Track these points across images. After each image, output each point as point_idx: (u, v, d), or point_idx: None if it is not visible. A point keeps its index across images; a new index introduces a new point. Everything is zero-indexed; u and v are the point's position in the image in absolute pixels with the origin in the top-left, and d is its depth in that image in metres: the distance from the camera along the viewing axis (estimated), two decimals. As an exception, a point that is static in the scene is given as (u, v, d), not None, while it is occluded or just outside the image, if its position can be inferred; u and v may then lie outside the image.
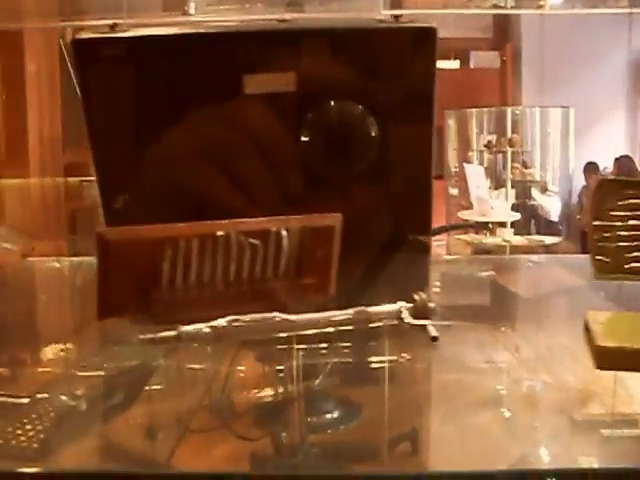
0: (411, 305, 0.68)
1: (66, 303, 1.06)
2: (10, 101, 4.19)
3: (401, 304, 0.68)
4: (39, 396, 0.86)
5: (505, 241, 5.09)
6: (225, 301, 0.69)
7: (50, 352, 1.68)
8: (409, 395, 0.62)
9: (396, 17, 0.86)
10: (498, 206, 5.34)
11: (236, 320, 0.64)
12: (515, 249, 4.93)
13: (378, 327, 0.68)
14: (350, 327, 0.67)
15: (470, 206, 5.26)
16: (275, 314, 0.65)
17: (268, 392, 0.63)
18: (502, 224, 5.31)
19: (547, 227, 5.62)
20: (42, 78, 4.46)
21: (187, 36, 0.87)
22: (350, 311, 0.67)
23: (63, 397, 0.72)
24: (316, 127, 0.85)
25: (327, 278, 0.73)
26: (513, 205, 5.53)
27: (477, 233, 5.33)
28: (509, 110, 5.78)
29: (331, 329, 0.66)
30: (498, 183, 5.60)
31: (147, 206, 0.87)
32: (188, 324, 0.64)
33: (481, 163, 5.69)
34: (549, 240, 5.29)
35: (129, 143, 0.87)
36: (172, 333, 0.64)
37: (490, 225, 5.25)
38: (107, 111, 0.88)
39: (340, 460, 0.52)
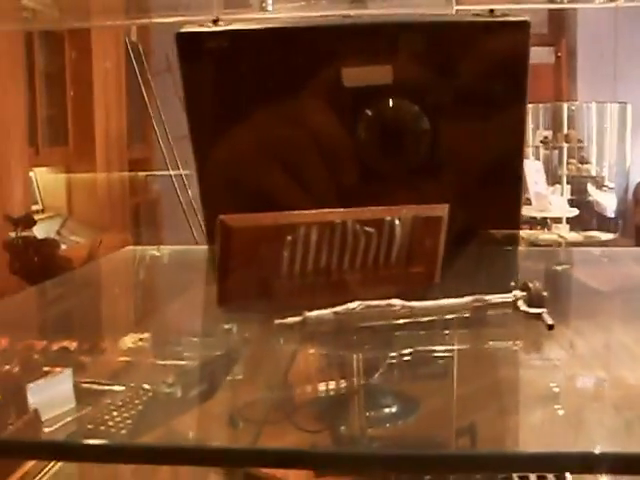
0: (525, 293, 0.68)
1: (165, 291, 1.08)
2: (78, 98, 4.31)
3: (516, 292, 0.68)
4: (132, 384, 0.90)
5: (561, 237, 5.02)
6: (339, 288, 0.70)
7: (129, 341, 1.74)
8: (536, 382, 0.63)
9: (491, 11, 0.88)
10: (556, 202, 5.27)
11: (359, 306, 0.65)
12: (570, 245, 4.86)
13: (493, 314, 0.68)
14: (466, 314, 0.68)
15: (528, 202, 5.20)
16: (395, 301, 0.65)
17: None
18: (558, 220, 5.23)
19: (603, 223, 5.52)
20: (108, 76, 4.57)
21: (288, 30, 0.90)
22: (467, 299, 0.68)
23: (146, 386, 0.75)
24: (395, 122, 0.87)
25: (434, 267, 0.74)
26: (569, 201, 5.44)
27: (531, 228, 5.27)
28: (565, 106, 5.69)
29: (449, 316, 0.67)
30: (554, 179, 5.52)
31: (244, 194, 0.89)
32: (304, 310, 0.65)
33: (537, 159, 5.61)
34: (605, 236, 5.19)
35: (228, 134, 0.90)
36: (298, 318, 0.65)
37: (547, 221, 5.19)
38: (207, 102, 0.91)
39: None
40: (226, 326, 0.81)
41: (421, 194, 0.86)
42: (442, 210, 0.73)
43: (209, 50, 0.86)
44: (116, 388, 1.22)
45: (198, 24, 0.89)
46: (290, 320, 0.65)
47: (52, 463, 1.06)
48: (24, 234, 2.88)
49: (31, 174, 3.78)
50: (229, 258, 0.69)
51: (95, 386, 1.25)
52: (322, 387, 0.61)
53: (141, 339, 1.89)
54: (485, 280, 0.79)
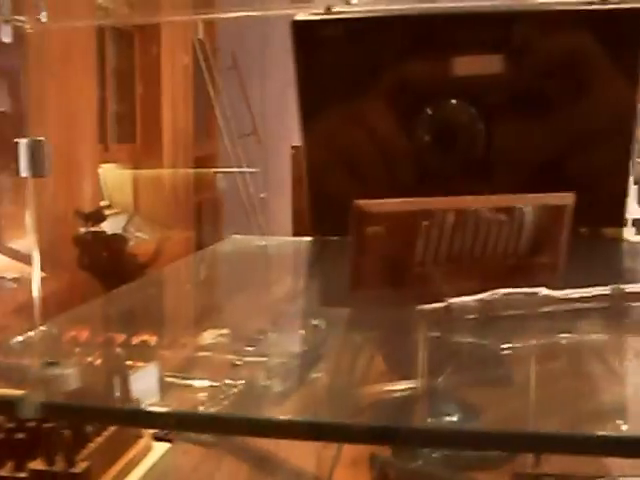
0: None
1: (264, 283, 1.08)
2: (147, 95, 4.37)
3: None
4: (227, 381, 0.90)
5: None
6: (470, 277, 0.69)
7: (208, 337, 1.75)
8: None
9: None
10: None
11: (502, 294, 0.64)
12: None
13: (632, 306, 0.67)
14: (606, 304, 0.67)
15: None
16: (539, 289, 0.65)
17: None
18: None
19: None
20: (176, 73, 4.62)
21: (403, 18, 0.90)
22: (607, 288, 0.67)
23: (229, 381, 0.76)
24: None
25: (558, 258, 0.73)
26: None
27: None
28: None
29: (590, 305, 0.66)
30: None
31: (354, 185, 0.90)
32: (436, 300, 0.64)
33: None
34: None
35: (339, 121, 0.91)
36: (440, 305, 0.64)
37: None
38: (319, 89, 0.92)
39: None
40: (314, 322, 0.81)
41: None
42: (569, 199, 0.71)
43: (323, 38, 0.89)
44: (197, 383, 1.23)
45: (311, 12, 0.90)
46: (433, 307, 0.64)
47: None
48: (94, 229, 2.93)
49: (99, 170, 3.85)
50: (362, 244, 0.69)
51: (177, 381, 1.27)
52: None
53: (221, 334, 1.91)
54: (605, 272, 0.78)
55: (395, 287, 0.69)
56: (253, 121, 5.38)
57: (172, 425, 0.55)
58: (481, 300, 0.64)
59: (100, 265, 2.93)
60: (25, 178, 2.79)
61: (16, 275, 2.96)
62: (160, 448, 1.20)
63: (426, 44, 0.87)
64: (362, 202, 0.69)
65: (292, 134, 4.29)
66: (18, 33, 2.53)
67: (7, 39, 2.52)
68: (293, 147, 4.73)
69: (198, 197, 4.90)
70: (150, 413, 0.59)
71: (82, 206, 3.20)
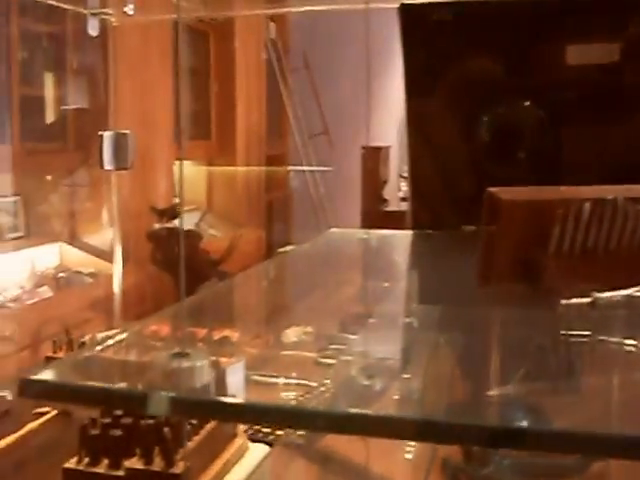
0: None
1: (362, 277, 1.06)
2: (221, 93, 4.40)
3: None
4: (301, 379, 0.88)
5: None
6: (608, 269, 0.65)
7: (292, 334, 1.74)
8: None
9: None
10: None
11: None
12: None
13: None
14: None
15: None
16: None
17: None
18: None
19: None
20: (249, 72, 4.64)
21: (514, 3, 0.87)
22: None
23: (313, 383, 0.74)
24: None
25: None
26: None
27: None
28: None
29: None
30: None
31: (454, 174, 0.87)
32: (572, 294, 0.61)
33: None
34: None
35: (445, 105, 0.88)
36: (586, 300, 0.61)
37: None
38: (427, 72, 0.90)
39: None
40: (407, 319, 0.79)
41: None
42: None
43: (432, 21, 0.87)
44: (281, 381, 1.21)
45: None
46: (578, 301, 0.61)
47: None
48: (168, 225, 2.95)
49: (173, 167, 3.88)
50: (497, 233, 0.66)
51: (263, 379, 1.26)
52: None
53: (304, 332, 1.89)
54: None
55: (529, 280, 0.65)
56: (324, 121, 5.37)
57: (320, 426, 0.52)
58: (628, 295, 0.60)
59: (173, 261, 2.94)
60: (102, 173, 2.82)
61: (92, 270, 3.00)
62: (256, 449, 1.17)
63: (535, 29, 0.84)
64: (497, 189, 0.66)
65: (362, 134, 4.26)
66: (103, 26, 2.55)
67: (94, 32, 2.55)
68: (363, 147, 4.71)
69: (269, 195, 4.91)
70: (295, 411, 0.55)
71: (156, 202, 3.23)
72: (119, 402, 0.63)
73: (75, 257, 3.05)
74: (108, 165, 2.15)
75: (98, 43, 3.07)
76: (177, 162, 3.91)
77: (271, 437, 1.29)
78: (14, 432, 1.35)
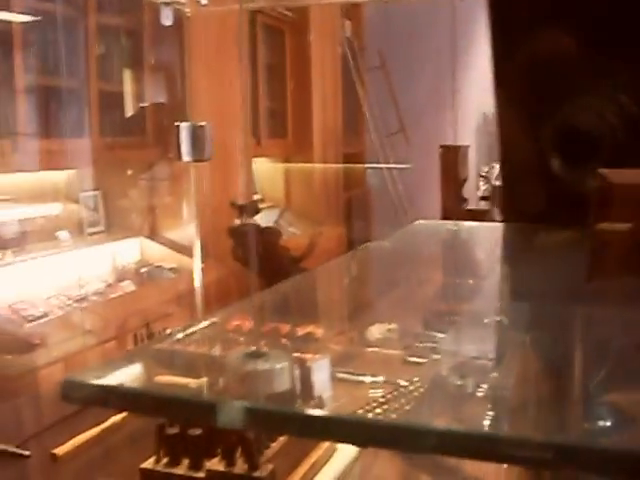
0: None
1: (453, 269, 1.01)
2: (297, 91, 4.36)
3: None
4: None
5: None
6: None
7: (376, 331, 1.66)
8: None
9: None
10: None
11: None
12: None
13: None
14: None
15: None
16: None
17: None
18: None
19: None
20: (326, 70, 4.59)
21: None
22: None
23: (402, 382, 0.67)
24: None
25: None
26: None
27: None
28: None
29: None
30: None
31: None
32: None
33: None
34: None
35: (537, 90, 0.79)
36: None
37: None
38: (516, 49, 0.82)
39: None
40: (497, 318, 0.74)
41: None
42: None
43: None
44: (367, 379, 1.12)
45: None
46: None
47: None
48: (249, 222, 2.89)
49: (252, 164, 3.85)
50: (608, 216, 0.60)
51: (349, 376, 1.17)
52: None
53: (389, 329, 1.82)
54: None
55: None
56: (400, 120, 5.28)
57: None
58: None
59: (253, 257, 2.89)
60: (182, 167, 2.78)
61: (173, 265, 2.98)
62: (345, 450, 1.10)
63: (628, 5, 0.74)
64: (608, 171, 0.61)
65: (439, 133, 4.17)
66: (178, 17, 2.52)
67: (168, 22, 2.51)
68: (442, 146, 4.60)
69: (347, 193, 4.85)
70: (393, 428, 0.46)
71: (236, 198, 3.19)
72: (182, 412, 0.52)
73: (156, 252, 3.03)
74: (186, 156, 2.12)
75: (174, 36, 3.07)
76: (255, 160, 3.88)
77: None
78: (97, 425, 1.34)
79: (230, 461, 0.97)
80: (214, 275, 2.87)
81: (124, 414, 1.39)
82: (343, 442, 1.00)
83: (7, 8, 2.41)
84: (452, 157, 4.60)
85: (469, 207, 4.55)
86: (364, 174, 5.29)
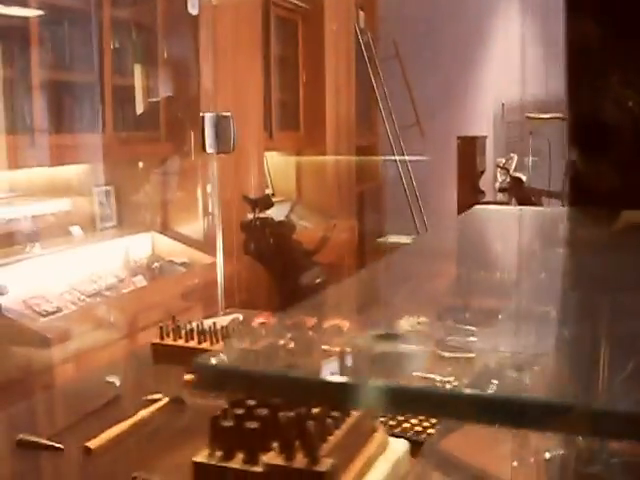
0: None
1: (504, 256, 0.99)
2: (310, 84, 4.33)
3: None
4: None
5: None
6: None
7: (406, 324, 1.63)
8: None
9: None
10: None
11: None
12: None
13: None
14: None
15: None
16: None
17: None
18: None
19: None
20: (339, 62, 4.56)
21: None
22: None
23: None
24: None
25: None
26: None
27: None
28: None
29: None
30: None
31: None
32: None
33: None
34: None
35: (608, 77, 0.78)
36: None
37: None
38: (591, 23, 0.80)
39: None
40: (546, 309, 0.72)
41: None
42: None
43: None
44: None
45: None
46: None
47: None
48: (262, 215, 2.88)
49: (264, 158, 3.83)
50: None
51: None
52: None
53: (419, 322, 1.80)
54: None
55: None
56: (415, 111, 5.24)
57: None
58: None
59: (266, 251, 2.88)
60: (194, 162, 2.76)
61: (185, 259, 2.97)
62: (396, 444, 1.09)
63: None
64: None
65: (456, 125, 4.12)
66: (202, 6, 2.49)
67: (194, 11, 2.49)
68: (459, 138, 4.55)
69: (360, 186, 4.83)
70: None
71: (248, 192, 3.18)
72: (324, 395, 0.51)
73: (167, 246, 3.03)
74: (210, 149, 2.11)
75: (189, 28, 3.06)
76: (266, 153, 3.86)
77: (410, 433, 1.22)
78: (126, 418, 1.34)
79: (289, 455, 0.94)
80: (227, 269, 2.87)
81: (152, 408, 1.42)
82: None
83: (23, 4, 2.41)
84: (470, 148, 4.57)
85: (486, 199, 4.51)
86: (378, 167, 5.26)
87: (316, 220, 3.98)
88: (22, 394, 1.81)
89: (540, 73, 5.10)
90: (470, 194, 4.33)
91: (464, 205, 4.36)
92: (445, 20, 5.42)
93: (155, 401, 1.46)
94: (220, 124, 2.11)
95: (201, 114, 2.10)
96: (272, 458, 0.95)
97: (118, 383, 1.61)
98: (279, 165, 4.22)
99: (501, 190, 4.44)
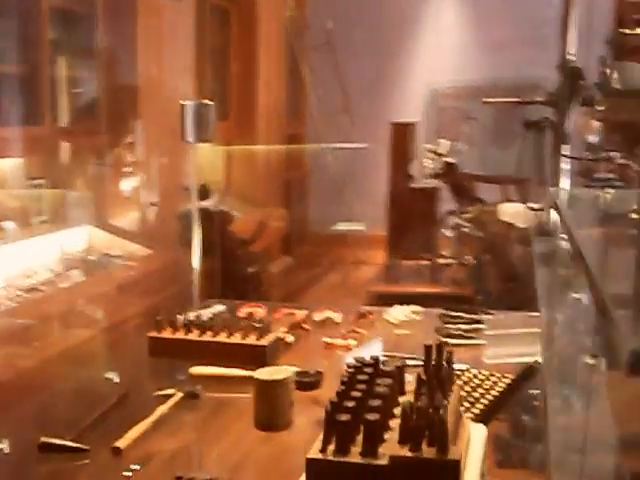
0: None
1: None
2: (241, 72, 4.33)
3: None
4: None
5: None
6: None
7: (399, 313, 1.70)
8: None
9: None
10: None
11: None
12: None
13: None
14: None
15: None
16: None
17: None
18: None
19: None
20: (270, 49, 4.57)
21: None
22: None
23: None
24: None
25: None
26: None
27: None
28: None
29: None
30: None
31: None
32: None
33: None
34: None
35: None
36: None
37: None
38: None
39: None
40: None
41: None
42: None
43: None
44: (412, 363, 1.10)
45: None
46: None
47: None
48: (199, 206, 2.89)
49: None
50: None
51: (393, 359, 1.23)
52: None
53: (413, 311, 1.86)
54: None
55: None
56: (346, 99, 5.29)
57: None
58: None
59: (204, 241, 2.90)
60: (127, 157, 2.74)
61: (119, 252, 2.96)
62: (476, 428, 1.07)
63: None
64: None
65: (387, 111, 4.18)
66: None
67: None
68: (392, 124, 4.60)
69: (289, 174, 4.85)
70: None
71: (183, 183, 3.18)
72: None
73: (104, 240, 3.01)
74: (190, 137, 2.08)
75: (127, 20, 3.02)
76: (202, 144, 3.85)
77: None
78: (146, 416, 1.31)
79: (416, 446, 0.89)
80: (162, 260, 2.87)
81: (170, 404, 1.38)
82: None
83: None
84: (402, 134, 4.63)
85: (416, 185, 4.58)
86: (306, 155, 5.30)
87: (246, 210, 3.99)
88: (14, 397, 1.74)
89: (472, 59, 5.20)
90: (401, 180, 4.41)
91: (396, 190, 4.44)
92: (376, 7, 5.47)
93: (168, 396, 1.43)
94: (201, 113, 2.09)
95: (181, 102, 2.08)
96: (396, 450, 0.90)
97: (117, 379, 1.59)
98: (208, 155, 4.21)
99: (434, 176, 4.51)
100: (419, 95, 5.50)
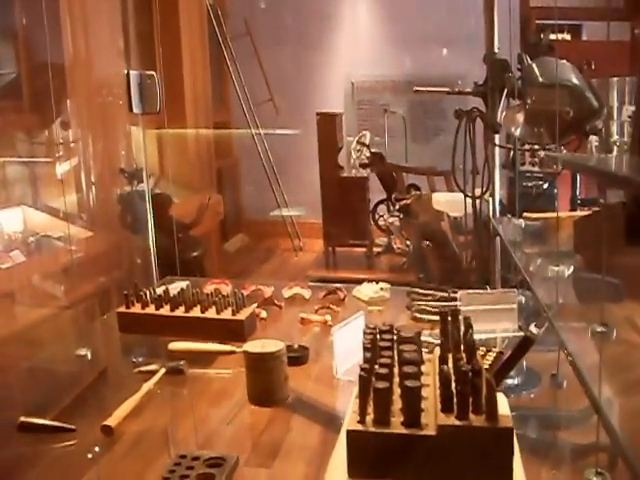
0: None
1: None
2: (167, 58, 4.29)
3: None
4: None
5: None
6: None
7: (369, 290, 1.73)
8: None
9: None
10: None
11: None
12: None
13: None
14: None
15: None
16: None
17: None
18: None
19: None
20: (193, 37, 4.55)
21: None
22: None
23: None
24: None
25: None
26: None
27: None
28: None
29: None
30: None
31: None
32: None
33: (623, 135, 5.49)
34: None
35: None
36: None
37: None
38: None
39: None
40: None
41: None
42: None
43: None
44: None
45: None
46: None
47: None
48: (138, 189, 2.88)
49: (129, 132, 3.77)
50: None
51: None
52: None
53: (382, 288, 1.88)
54: None
55: None
56: (269, 88, 5.32)
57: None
58: None
59: (143, 224, 2.88)
60: (61, 135, 2.68)
61: (60, 234, 2.90)
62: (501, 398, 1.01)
63: None
64: None
65: (310, 101, 4.22)
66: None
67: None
68: (319, 114, 4.65)
69: (218, 162, 4.84)
70: None
71: (118, 166, 3.15)
72: None
73: (40, 221, 2.93)
74: (136, 109, 2.05)
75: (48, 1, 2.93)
76: (134, 127, 3.80)
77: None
78: (131, 393, 1.28)
79: (464, 414, 0.83)
80: (105, 242, 2.83)
81: (154, 380, 1.35)
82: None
83: None
84: (330, 124, 4.68)
85: (345, 174, 4.66)
86: (234, 143, 5.30)
87: (182, 194, 3.97)
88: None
89: (391, 54, 5.31)
90: (331, 169, 4.47)
91: (326, 180, 4.49)
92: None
93: (150, 372, 1.40)
94: (146, 83, 2.06)
95: (125, 71, 2.05)
96: (441, 419, 0.84)
97: (90, 356, 1.54)
98: (141, 140, 4.15)
99: (362, 165, 4.60)
100: (340, 87, 5.58)
